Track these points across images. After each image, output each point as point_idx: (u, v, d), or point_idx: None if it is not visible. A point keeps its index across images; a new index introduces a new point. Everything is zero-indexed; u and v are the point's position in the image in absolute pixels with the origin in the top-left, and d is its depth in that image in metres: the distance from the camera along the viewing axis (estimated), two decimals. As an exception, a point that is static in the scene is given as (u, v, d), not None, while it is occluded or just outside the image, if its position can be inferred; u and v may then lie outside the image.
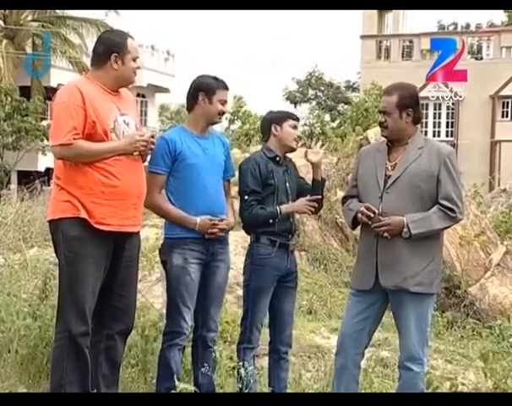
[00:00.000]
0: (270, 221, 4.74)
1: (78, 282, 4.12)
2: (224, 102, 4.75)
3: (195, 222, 4.60)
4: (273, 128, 4.90)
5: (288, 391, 5.01)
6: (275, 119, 4.93)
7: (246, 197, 4.77)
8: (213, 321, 4.73)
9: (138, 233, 4.39)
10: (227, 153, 4.90)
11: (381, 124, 4.45)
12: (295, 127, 4.93)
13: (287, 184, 4.86)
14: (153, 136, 4.35)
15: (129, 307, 4.37)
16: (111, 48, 4.26)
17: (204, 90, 4.70)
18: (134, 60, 4.31)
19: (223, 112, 4.76)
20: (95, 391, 4.22)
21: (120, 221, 4.19)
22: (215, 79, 4.75)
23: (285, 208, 4.78)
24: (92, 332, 4.21)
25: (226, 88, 4.77)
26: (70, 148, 4.07)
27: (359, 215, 4.37)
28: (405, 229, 4.25)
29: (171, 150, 4.63)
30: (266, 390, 4.86)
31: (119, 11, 32.23)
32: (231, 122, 34.82)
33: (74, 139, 4.06)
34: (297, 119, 5.00)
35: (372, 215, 4.31)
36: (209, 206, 4.64)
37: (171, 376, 4.49)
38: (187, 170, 4.63)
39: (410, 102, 4.41)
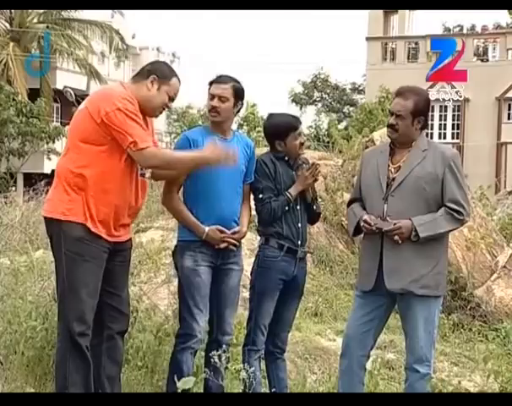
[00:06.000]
0: (287, 208, 4.67)
1: (79, 282, 4.12)
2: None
3: (203, 232, 4.51)
4: (277, 145, 4.76)
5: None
6: (277, 136, 4.75)
7: (260, 196, 4.69)
8: (227, 324, 4.66)
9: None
10: (252, 155, 4.72)
11: (391, 126, 4.40)
12: (299, 134, 4.77)
13: None
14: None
15: (125, 306, 4.38)
16: (155, 71, 4.29)
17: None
18: (170, 98, 4.30)
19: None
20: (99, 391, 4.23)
21: (113, 229, 4.20)
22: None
23: (293, 190, 4.69)
24: (93, 334, 4.20)
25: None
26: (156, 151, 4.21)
27: (364, 226, 4.34)
28: (414, 232, 4.24)
29: (193, 149, 4.48)
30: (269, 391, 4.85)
31: (125, 13, 32.33)
32: (240, 126, 34.69)
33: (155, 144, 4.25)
34: (299, 124, 4.82)
35: (375, 230, 4.29)
36: (221, 215, 4.53)
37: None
38: (204, 173, 4.46)
39: (423, 110, 4.39)
